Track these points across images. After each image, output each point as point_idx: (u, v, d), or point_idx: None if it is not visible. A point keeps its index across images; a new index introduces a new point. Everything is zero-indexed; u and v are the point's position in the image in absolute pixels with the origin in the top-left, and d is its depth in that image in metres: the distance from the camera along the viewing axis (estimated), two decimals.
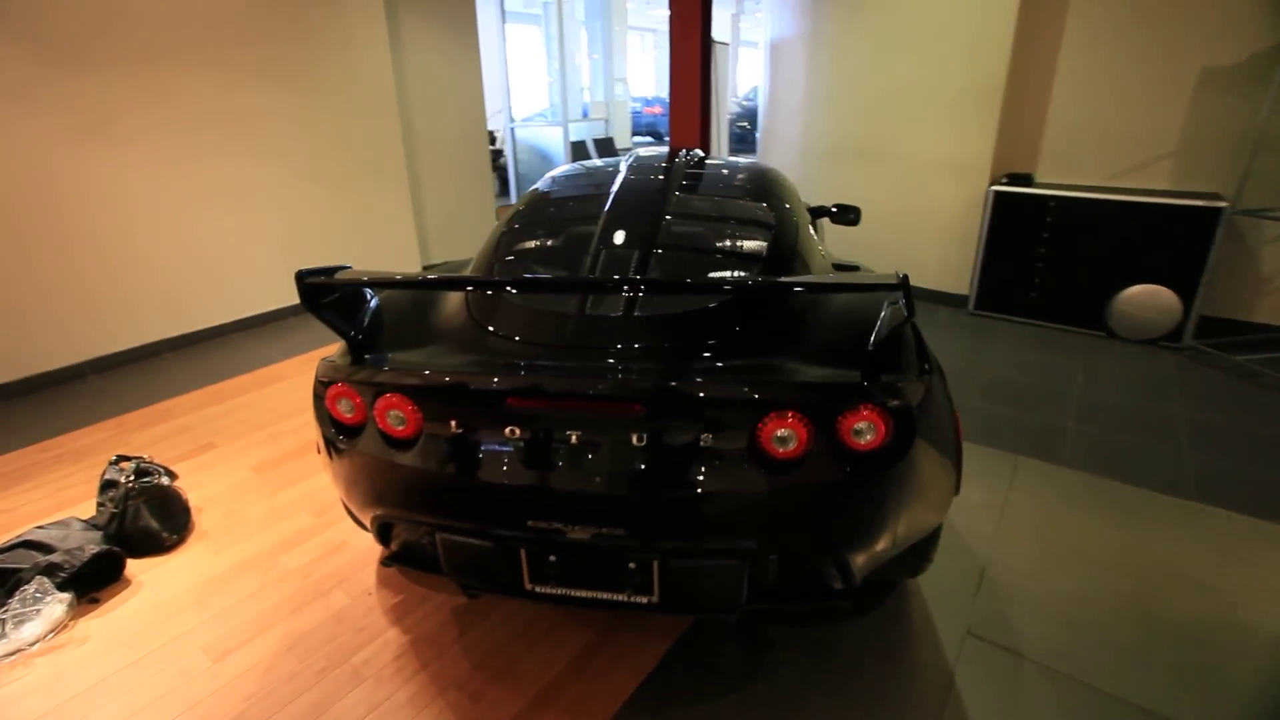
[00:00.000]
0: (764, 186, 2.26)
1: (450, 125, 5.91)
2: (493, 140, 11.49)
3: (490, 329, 1.64)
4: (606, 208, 2.00)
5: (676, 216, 1.98)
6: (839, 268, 2.24)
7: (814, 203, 3.41)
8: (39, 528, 2.26)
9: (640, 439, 1.36)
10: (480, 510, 1.51)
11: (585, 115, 13.02)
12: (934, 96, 4.46)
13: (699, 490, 1.36)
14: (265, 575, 2.20)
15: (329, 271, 1.53)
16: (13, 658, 1.90)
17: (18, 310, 3.53)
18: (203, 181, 4.17)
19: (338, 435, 1.60)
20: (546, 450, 1.41)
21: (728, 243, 1.94)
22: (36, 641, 1.94)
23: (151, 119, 3.86)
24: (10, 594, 1.99)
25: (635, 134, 13.16)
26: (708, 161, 2.53)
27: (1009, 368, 3.77)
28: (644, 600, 1.54)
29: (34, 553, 2.13)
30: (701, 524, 1.44)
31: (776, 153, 6.09)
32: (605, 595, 1.56)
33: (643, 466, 1.37)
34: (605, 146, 12.13)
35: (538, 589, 1.59)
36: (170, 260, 4.09)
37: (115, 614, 2.07)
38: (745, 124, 12.89)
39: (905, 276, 1.24)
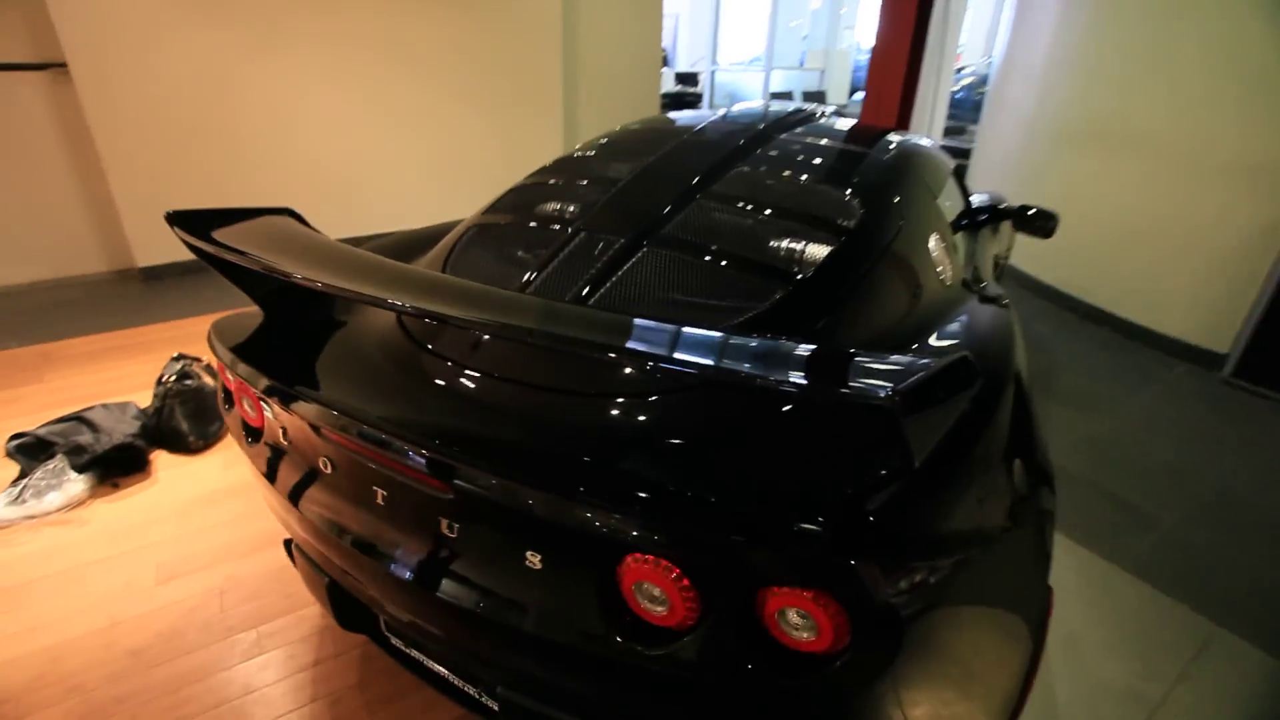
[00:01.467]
0: (873, 170, 1.58)
1: (620, 63, 5.55)
2: (695, 82, 10.97)
3: (402, 322, 1.28)
4: (627, 179, 1.51)
5: (711, 201, 1.41)
6: (985, 300, 1.49)
7: (1020, 199, 2.53)
8: (103, 406, 2.46)
9: (451, 529, 0.93)
10: (310, 539, 1.21)
11: (801, 64, 11.86)
12: (1237, 62, 3.08)
13: (519, 625, 0.90)
14: (247, 505, 2.17)
15: (224, 218, 1.27)
16: (32, 521, 2.08)
17: (190, 200, 3.96)
18: (356, 95, 4.31)
19: (224, 400, 1.40)
20: (356, 501, 1.04)
21: (762, 246, 1.32)
22: (51, 513, 2.10)
23: (314, 32, 4.02)
24: (43, 464, 2.16)
25: (855, 90, 11.69)
26: (823, 127, 1.88)
27: (1266, 479, 2.56)
28: (494, 706, 1.15)
29: (83, 427, 2.31)
30: (528, 668, 0.99)
31: (998, 131, 4.86)
32: (457, 682, 1.20)
33: (450, 564, 0.95)
34: (815, 100, 10.96)
35: (393, 641, 1.28)
36: (319, 169, 4.33)
37: (122, 504, 2.18)
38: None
39: (897, 393, 0.63)
